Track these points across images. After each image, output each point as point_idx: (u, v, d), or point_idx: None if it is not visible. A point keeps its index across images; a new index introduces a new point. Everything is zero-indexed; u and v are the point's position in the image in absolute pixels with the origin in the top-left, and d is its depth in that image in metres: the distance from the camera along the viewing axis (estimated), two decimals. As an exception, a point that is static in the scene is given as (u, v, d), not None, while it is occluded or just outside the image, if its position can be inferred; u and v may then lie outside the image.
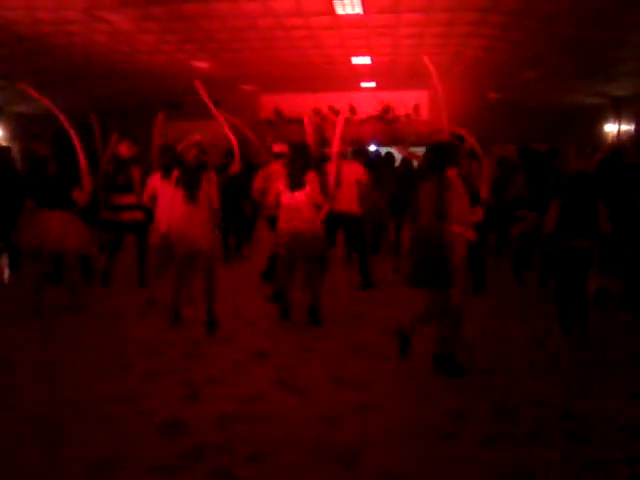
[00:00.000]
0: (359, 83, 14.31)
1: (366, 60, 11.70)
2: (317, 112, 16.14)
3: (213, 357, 4.73)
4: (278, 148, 7.04)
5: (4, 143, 14.44)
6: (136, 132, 8.19)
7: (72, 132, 5.75)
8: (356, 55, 11.35)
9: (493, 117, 13.96)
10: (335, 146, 5.91)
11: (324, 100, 15.16)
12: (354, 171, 6.61)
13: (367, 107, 15.43)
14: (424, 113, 15.63)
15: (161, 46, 10.99)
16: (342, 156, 6.68)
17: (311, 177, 5.32)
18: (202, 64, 12.21)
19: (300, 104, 15.77)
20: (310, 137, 6.43)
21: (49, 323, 5.55)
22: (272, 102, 16.57)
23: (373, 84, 14.38)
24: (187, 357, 4.72)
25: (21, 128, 14.91)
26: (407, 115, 15.55)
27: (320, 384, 4.18)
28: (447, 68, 12.77)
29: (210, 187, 5.31)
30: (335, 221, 6.41)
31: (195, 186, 5.20)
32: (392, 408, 3.81)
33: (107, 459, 3.16)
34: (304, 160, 5.40)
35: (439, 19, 9.29)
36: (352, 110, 15.19)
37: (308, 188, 5.28)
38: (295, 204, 5.32)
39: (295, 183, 5.31)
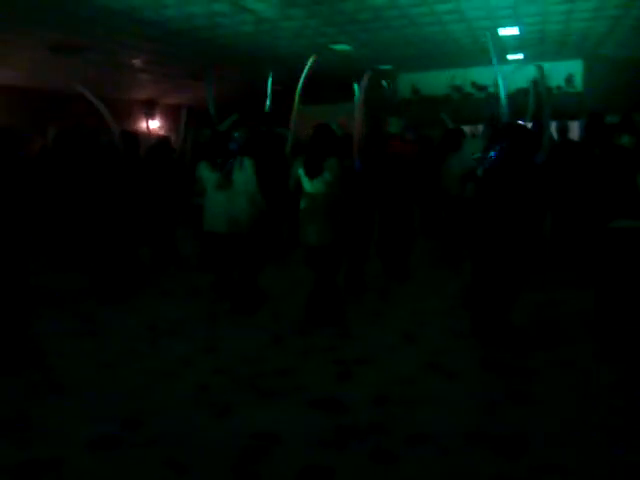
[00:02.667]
0: (505, 56, 13.54)
1: (514, 31, 11.01)
2: (458, 89, 15.63)
3: (362, 337, 4.76)
4: None
5: (160, 132, 15.71)
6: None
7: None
8: (503, 26, 10.72)
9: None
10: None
11: (466, 76, 14.56)
12: (405, 150, 6.42)
13: (514, 80, 14.56)
14: (578, 84, 14.48)
15: (302, 31, 11.18)
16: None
17: (331, 163, 4.83)
18: (342, 47, 12.25)
19: (440, 81, 15.34)
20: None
21: (196, 305, 5.81)
22: (410, 81, 16.25)
23: (521, 55, 13.53)
24: (337, 336, 4.79)
25: (173, 118, 16.03)
26: (558, 87, 14.47)
27: (471, 369, 4.05)
28: (603, 35, 11.70)
29: (243, 172, 5.20)
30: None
31: (226, 171, 5.18)
32: (551, 398, 3.59)
33: (268, 431, 3.28)
34: (325, 143, 4.86)
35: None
36: (496, 84, 14.44)
37: (327, 175, 4.81)
38: (315, 193, 4.87)
39: (313, 169, 4.85)
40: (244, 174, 5.21)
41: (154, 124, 15.68)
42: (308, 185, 4.89)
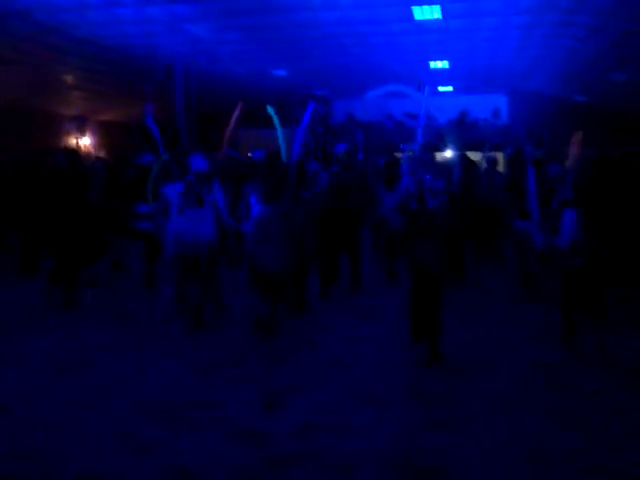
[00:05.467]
0: (436, 87, 14.11)
1: (444, 64, 11.52)
2: (390, 117, 16.15)
3: (293, 365, 4.74)
4: None
5: (92, 150, 15.30)
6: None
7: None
8: (434, 59, 11.21)
9: (577, 121, 13.38)
10: None
11: (399, 105, 15.01)
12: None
13: (444, 112, 15.15)
14: (504, 117, 15.24)
15: (239, 55, 11.25)
16: None
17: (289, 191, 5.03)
18: (280, 72, 12.42)
19: (374, 109, 15.74)
20: None
21: (130, 329, 5.65)
22: (345, 107, 16.61)
23: (450, 88, 14.14)
24: (268, 364, 4.74)
25: (105, 136, 15.68)
26: (485, 119, 15.18)
27: (399, 397, 4.13)
28: (528, 72, 12.39)
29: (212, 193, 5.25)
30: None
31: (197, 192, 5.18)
32: (471, 425, 3.71)
33: (186, 465, 3.23)
34: (281, 171, 5.05)
35: (519, 22, 9.02)
36: (429, 115, 14.99)
37: (285, 202, 4.94)
38: (267, 220, 4.91)
39: (269, 196, 4.90)
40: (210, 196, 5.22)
41: (85, 141, 15.25)
42: (261, 210, 4.86)
